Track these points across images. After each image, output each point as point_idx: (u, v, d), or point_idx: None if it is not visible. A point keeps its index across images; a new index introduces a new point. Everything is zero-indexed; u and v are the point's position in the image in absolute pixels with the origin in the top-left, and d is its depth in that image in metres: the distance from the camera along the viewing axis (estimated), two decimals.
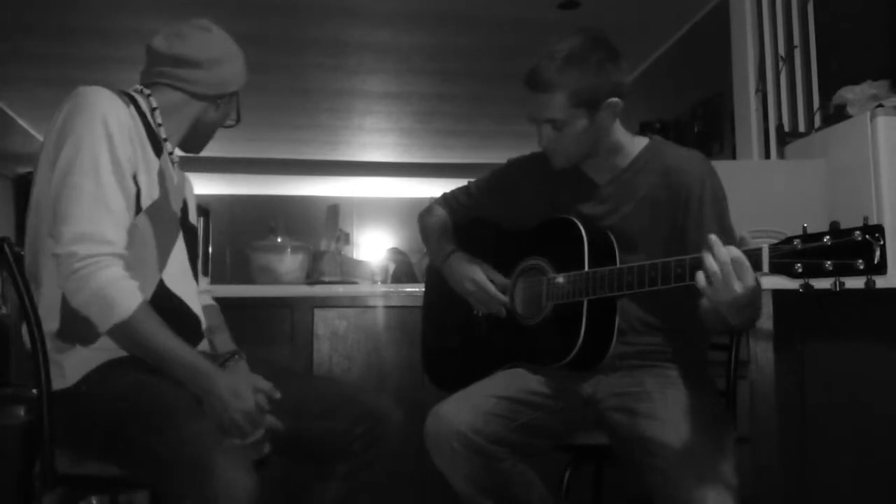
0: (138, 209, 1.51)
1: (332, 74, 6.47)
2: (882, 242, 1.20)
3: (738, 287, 1.31)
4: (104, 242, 1.42)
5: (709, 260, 1.32)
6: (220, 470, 1.26)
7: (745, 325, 1.56)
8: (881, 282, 2.24)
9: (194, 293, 1.65)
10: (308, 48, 5.82)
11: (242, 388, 1.45)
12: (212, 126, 1.72)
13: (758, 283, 1.34)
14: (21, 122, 7.46)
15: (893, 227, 2.41)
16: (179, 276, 1.60)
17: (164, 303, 1.52)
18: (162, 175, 1.59)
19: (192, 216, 1.75)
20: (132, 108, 1.54)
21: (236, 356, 1.61)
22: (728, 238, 1.39)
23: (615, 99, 1.63)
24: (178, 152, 1.73)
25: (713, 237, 1.34)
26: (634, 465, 1.55)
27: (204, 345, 1.64)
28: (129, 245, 1.48)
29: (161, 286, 1.54)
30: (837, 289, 1.25)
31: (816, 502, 2.35)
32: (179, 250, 1.63)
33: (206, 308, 1.72)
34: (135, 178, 1.50)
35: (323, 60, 6.09)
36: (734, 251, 1.30)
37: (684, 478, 1.42)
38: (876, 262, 1.20)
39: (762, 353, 2.22)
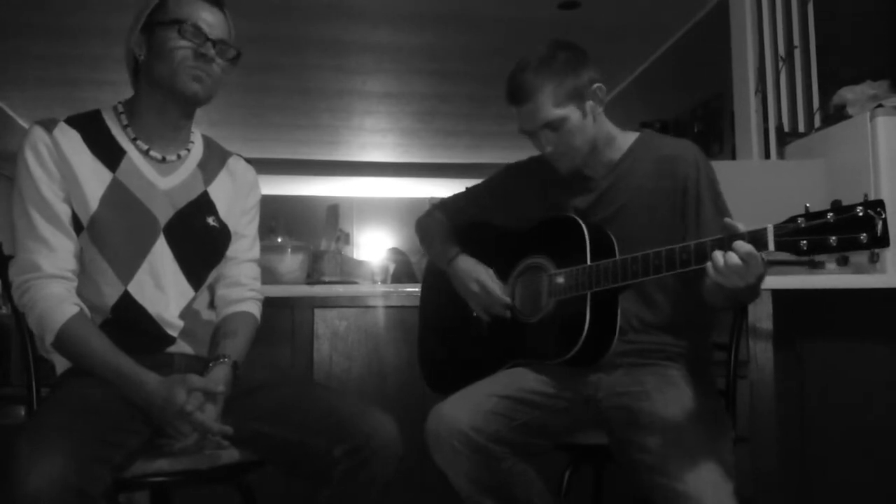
0: (80, 228, 1.55)
1: (332, 74, 6.47)
2: (884, 216, 1.24)
3: (749, 278, 1.37)
4: (34, 269, 1.52)
5: (721, 255, 1.37)
6: (21, 468, 1.23)
7: (750, 300, 1.62)
8: (881, 281, 2.26)
9: (173, 300, 1.61)
10: (308, 48, 5.82)
11: (174, 390, 1.46)
12: (171, 56, 1.56)
13: (765, 267, 1.38)
14: (21, 122, 7.47)
15: (893, 228, 2.41)
16: (153, 285, 1.59)
17: (124, 313, 1.56)
18: (117, 186, 1.58)
19: (205, 218, 1.67)
20: (55, 133, 1.55)
21: (221, 360, 1.59)
22: (725, 216, 1.52)
23: (598, 84, 1.71)
24: (196, 153, 1.71)
25: (729, 223, 1.40)
26: (633, 464, 1.55)
27: (180, 347, 1.61)
28: (82, 263, 1.56)
29: (125, 296, 1.56)
30: (842, 264, 1.28)
31: (816, 502, 2.35)
32: (160, 256, 1.60)
33: (230, 315, 1.71)
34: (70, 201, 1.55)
35: (323, 60, 6.10)
36: (745, 247, 1.35)
37: (682, 477, 1.43)
38: (879, 234, 1.24)
39: (762, 352, 2.22)
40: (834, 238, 1.27)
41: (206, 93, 1.61)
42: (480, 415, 1.63)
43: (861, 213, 1.24)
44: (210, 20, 1.60)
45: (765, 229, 1.34)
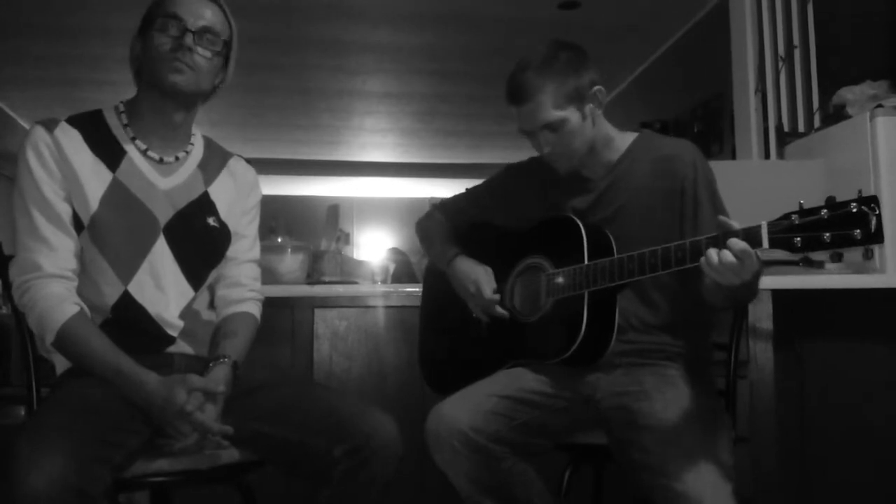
0: (81, 228, 1.55)
1: (332, 74, 6.47)
2: (878, 212, 1.23)
3: (745, 275, 1.37)
4: (35, 269, 1.52)
5: (716, 253, 1.37)
6: (21, 468, 1.23)
7: (749, 299, 1.63)
8: (881, 281, 2.26)
9: (173, 300, 1.61)
10: (308, 48, 5.82)
11: (174, 390, 1.46)
12: (154, 50, 1.56)
13: (760, 265, 1.38)
14: (21, 122, 7.46)
15: (893, 227, 2.42)
16: (153, 285, 1.59)
17: (124, 312, 1.56)
18: (117, 186, 1.58)
19: (205, 218, 1.67)
20: (56, 133, 1.55)
21: (221, 360, 1.59)
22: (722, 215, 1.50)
23: (598, 87, 1.71)
24: (196, 154, 1.70)
25: (723, 220, 1.40)
26: (632, 464, 1.55)
27: (180, 347, 1.61)
28: (82, 262, 1.56)
29: (125, 296, 1.56)
30: (836, 260, 1.27)
31: (816, 502, 2.35)
32: (160, 256, 1.60)
33: (231, 316, 1.71)
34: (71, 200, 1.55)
35: (323, 60, 6.10)
36: (739, 244, 1.35)
37: (682, 477, 1.43)
38: (873, 231, 1.23)
39: (762, 352, 2.22)
40: (828, 234, 1.26)
41: (189, 84, 1.58)
42: (480, 415, 1.63)
43: (855, 210, 1.24)
44: (195, 11, 1.58)
45: (759, 226, 1.34)
